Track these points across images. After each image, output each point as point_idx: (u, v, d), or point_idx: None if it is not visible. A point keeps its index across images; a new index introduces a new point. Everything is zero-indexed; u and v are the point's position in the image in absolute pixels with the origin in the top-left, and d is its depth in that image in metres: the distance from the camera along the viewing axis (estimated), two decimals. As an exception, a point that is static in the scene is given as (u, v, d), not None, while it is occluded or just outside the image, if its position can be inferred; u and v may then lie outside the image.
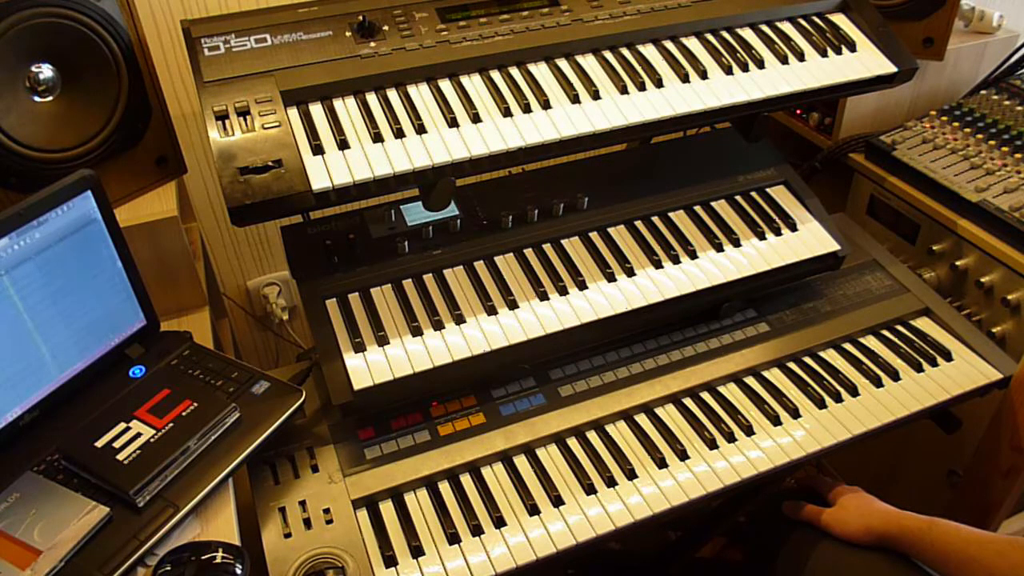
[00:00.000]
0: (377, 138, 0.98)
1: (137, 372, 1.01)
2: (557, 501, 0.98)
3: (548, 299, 1.08)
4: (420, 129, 0.99)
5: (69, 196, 0.92)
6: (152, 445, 0.88)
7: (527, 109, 1.03)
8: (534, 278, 1.10)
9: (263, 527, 0.93)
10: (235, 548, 0.81)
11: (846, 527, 1.06)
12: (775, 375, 1.15)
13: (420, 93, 1.03)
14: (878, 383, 1.14)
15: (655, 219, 1.20)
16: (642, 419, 1.09)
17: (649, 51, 1.13)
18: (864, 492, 1.11)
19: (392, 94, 1.03)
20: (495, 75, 1.06)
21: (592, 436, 1.06)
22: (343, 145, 0.96)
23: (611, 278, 1.11)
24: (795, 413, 1.09)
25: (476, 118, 1.01)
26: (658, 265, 1.14)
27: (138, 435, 0.89)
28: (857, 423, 1.08)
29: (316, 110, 1.00)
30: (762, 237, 1.19)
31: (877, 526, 1.03)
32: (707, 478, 1.01)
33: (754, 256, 1.17)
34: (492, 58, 1.07)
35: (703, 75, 1.11)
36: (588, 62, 1.10)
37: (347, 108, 1.01)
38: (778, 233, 1.20)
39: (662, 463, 1.02)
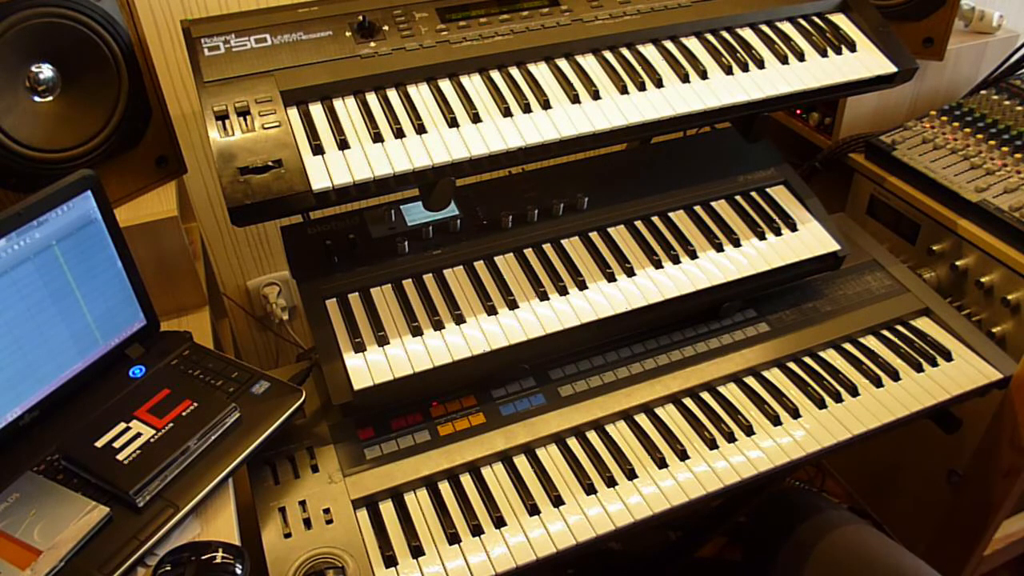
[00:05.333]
0: (377, 138, 0.98)
1: (137, 372, 1.01)
2: (557, 501, 0.98)
3: (548, 299, 1.08)
4: (420, 129, 0.99)
5: (69, 196, 0.92)
6: (152, 445, 0.88)
7: (527, 109, 1.03)
8: (534, 278, 1.10)
9: (263, 527, 0.93)
10: (235, 548, 0.81)
11: None
12: (775, 375, 1.15)
13: (420, 93, 1.03)
14: (878, 383, 1.14)
15: (655, 219, 1.20)
16: (642, 419, 1.09)
17: (649, 51, 1.13)
18: None
19: (392, 94, 1.03)
20: (495, 75, 1.06)
21: (592, 436, 1.06)
22: (343, 145, 0.96)
23: (611, 278, 1.11)
24: (795, 413, 1.09)
25: (476, 118, 1.01)
26: (658, 265, 1.14)
27: (138, 435, 0.89)
28: (857, 423, 1.08)
29: (316, 110, 1.00)
30: (762, 237, 1.19)
31: None
32: (707, 478, 1.01)
33: (754, 256, 1.17)
34: (492, 58, 1.07)
35: (703, 75, 1.11)
36: (588, 62, 1.10)
37: (347, 108, 1.01)
38: (778, 233, 1.20)
39: (662, 463, 1.02)
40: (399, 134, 0.98)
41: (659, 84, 1.08)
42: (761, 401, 1.11)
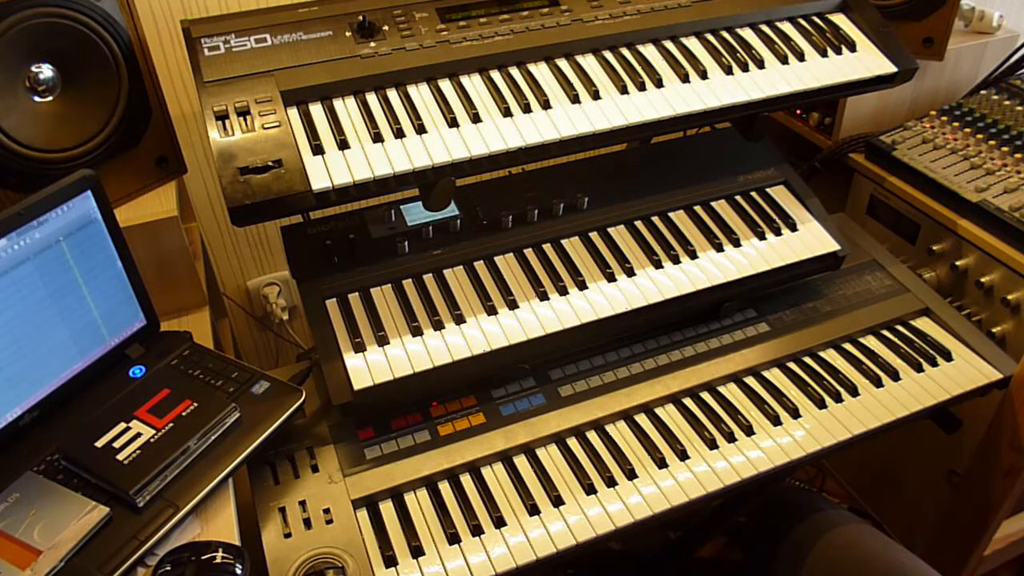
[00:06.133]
0: (377, 138, 0.98)
1: (137, 372, 1.01)
2: (557, 501, 0.98)
3: (548, 299, 1.08)
4: (420, 129, 0.99)
5: (69, 196, 0.92)
6: (152, 445, 0.88)
7: (527, 109, 1.03)
8: (534, 278, 1.10)
9: (263, 527, 0.93)
10: (235, 548, 0.81)
11: None
12: (775, 375, 1.15)
13: (420, 93, 1.03)
14: (878, 383, 1.14)
15: (655, 219, 1.20)
16: (642, 419, 1.09)
17: (649, 51, 1.13)
18: None
19: (392, 94, 1.03)
20: (495, 75, 1.06)
21: (592, 436, 1.06)
22: (343, 145, 0.96)
23: (611, 278, 1.11)
24: (795, 413, 1.09)
25: (476, 118, 1.01)
26: (658, 265, 1.14)
27: (138, 435, 0.89)
28: (857, 423, 1.08)
29: (316, 110, 1.00)
30: (762, 237, 1.19)
31: None
32: (707, 478, 1.01)
33: (754, 256, 1.17)
34: (492, 58, 1.07)
35: (703, 75, 1.11)
36: (588, 62, 1.10)
37: (347, 108, 1.01)
38: (778, 233, 1.20)
39: (662, 463, 1.02)
40: (399, 134, 0.98)
41: (659, 84, 1.08)
42: (761, 401, 1.11)
